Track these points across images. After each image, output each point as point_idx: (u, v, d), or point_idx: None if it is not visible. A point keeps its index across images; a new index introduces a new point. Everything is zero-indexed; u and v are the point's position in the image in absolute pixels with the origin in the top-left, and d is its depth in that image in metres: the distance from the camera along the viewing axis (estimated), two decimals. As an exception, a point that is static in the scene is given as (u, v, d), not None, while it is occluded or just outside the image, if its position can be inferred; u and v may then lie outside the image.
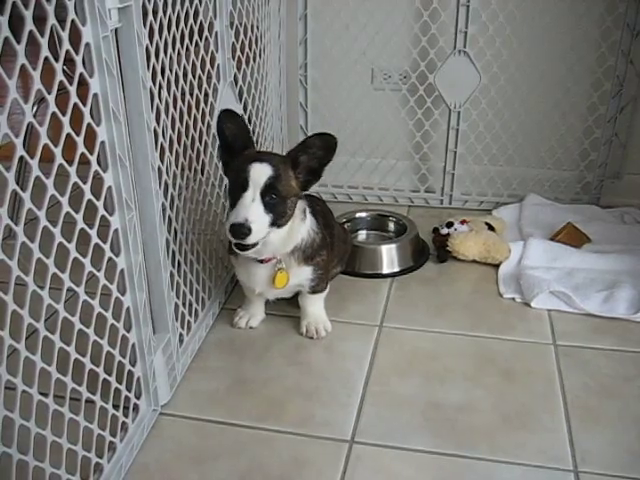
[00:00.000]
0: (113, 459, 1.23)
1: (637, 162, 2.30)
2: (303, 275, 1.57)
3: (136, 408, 1.33)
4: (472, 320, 1.73)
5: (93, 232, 1.08)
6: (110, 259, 1.16)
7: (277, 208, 1.37)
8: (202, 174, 1.57)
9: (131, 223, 1.19)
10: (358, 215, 2.20)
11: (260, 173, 1.34)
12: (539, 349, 1.61)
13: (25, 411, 0.95)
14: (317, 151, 1.38)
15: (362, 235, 2.19)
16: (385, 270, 1.97)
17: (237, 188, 1.36)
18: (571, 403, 1.42)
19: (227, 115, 1.42)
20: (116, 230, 1.16)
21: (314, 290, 1.62)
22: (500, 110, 2.26)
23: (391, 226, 2.18)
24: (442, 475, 1.24)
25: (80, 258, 1.06)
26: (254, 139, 1.44)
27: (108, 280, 1.16)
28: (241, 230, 1.32)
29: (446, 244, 2.00)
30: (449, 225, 2.04)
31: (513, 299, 1.82)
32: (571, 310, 1.75)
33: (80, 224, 1.04)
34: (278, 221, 1.38)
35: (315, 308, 1.68)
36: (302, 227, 1.50)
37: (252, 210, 1.33)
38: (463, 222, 2.04)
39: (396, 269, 1.98)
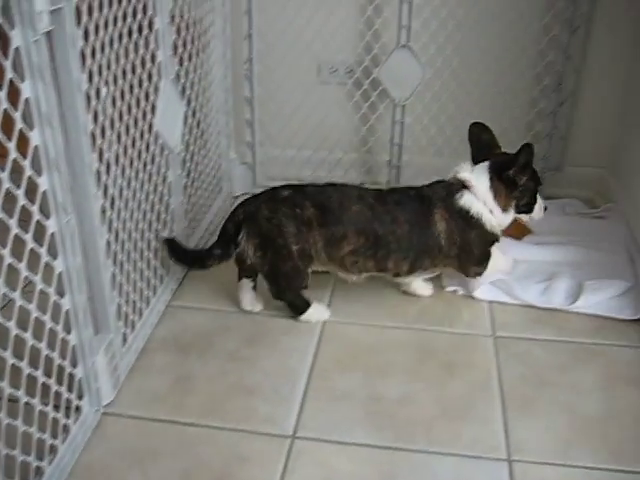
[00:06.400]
0: (54, 461, 1.23)
1: (577, 154, 2.36)
2: None
3: (78, 409, 1.33)
4: (414, 313, 1.76)
5: (29, 237, 1.08)
6: (47, 263, 1.16)
7: None
8: (144, 171, 1.57)
9: (68, 227, 1.19)
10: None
11: None
12: (479, 341, 1.65)
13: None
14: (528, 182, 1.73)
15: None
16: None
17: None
18: (507, 393, 1.47)
19: (478, 127, 1.84)
20: (53, 234, 1.16)
21: None
22: (444, 103, 2.29)
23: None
24: (380, 468, 1.28)
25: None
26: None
27: (46, 284, 1.16)
28: None
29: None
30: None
31: (455, 291, 1.85)
32: (512, 301, 1.80)
33: (14, 229, 1.04)
34: None
35: None
36: None
37: None
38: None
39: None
